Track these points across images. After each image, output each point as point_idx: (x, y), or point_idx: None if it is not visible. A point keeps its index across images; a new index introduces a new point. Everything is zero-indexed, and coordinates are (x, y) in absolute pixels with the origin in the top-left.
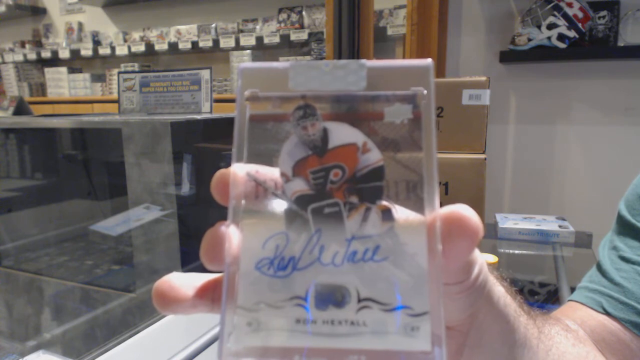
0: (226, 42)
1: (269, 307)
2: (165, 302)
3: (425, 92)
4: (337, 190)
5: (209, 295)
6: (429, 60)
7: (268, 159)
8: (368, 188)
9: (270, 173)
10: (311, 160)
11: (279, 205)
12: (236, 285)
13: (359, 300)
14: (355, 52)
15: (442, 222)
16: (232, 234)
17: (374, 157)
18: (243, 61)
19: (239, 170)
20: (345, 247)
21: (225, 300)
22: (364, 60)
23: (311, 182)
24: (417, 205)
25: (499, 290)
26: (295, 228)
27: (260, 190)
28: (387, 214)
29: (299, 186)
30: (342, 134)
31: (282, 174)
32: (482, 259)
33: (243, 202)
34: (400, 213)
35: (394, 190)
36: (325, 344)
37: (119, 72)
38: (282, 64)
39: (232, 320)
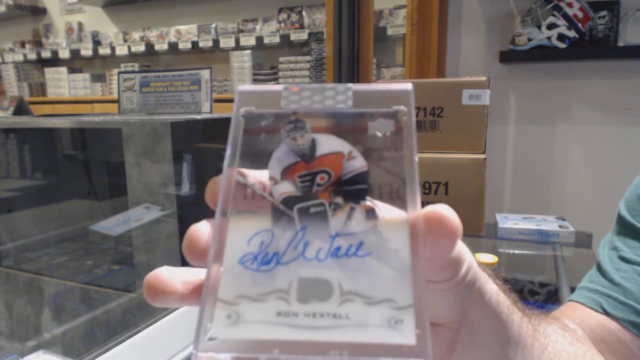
0: (226, 42)
1: (250, 300)
2: (154, 294)
3: (406, 109)
4: (323, 192)
5: (198, 290)
6: (409, 85)
7: (259, 166)
8: (353, 190)
9: (259, 176)
10: (299, 166)
11: (266, 205)
12: (218, 279)
13: (342, 294)
14: (355, 52)
15: (422, 222)
16: (217, 230)
17: (358, 163)
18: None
19: (229, 173)
20: (329, 243)
21: (205, 293)
22: (350, 84)
23: (298, 185)
24: (400, 206)
25: (491, 288)
26: (281, 226)
27: (248, 191)
28: (370, 213)
29: (286, 188)
30: (329, 143)
31: (271, 178)
32: (471, 257)
33: (231, 202)
34: (384, 212)
35: (378, 193)
36: (306, 337)
37: (119, 72)
38: (276, 86)
39: (211, 313)
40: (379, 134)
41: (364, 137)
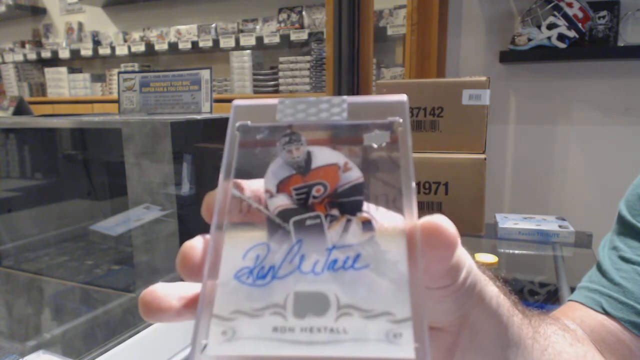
0: (226, 42)
1: (246, 315)
2: (150, 311)
3: (401, 120)
4: (319, 204)
5: (193, 305)
6: (404, 96)
7: (254, 178)
8: (348, 202)
9: (255, 188)
10: (295, 178)
11: (262, 218)
12: (213, 294)
13: (339, 308)
14: (355, 52)
15: (420, 233)
16: (212, 245)
17: (354, 175)
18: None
19: (224, 187)
20: (326, 256)
21: (200, 308)
22: (345, 97)
23: (294, 198)
24: (397, 216)
25: (492, 291)
26: (276, 239)
27: (244, 205)
28: (367, 224)
29: (282, 201)
30: (324, 155)
31: (267, 191)
32: (471, 261)
33: (227, 215)
34: (380, 223)
35: (374, 203)
36: (303, 352)
37: (119, 72)
38: (271, 100)
39: (207, 329)
40: (374, 145)
41: (360, 148)
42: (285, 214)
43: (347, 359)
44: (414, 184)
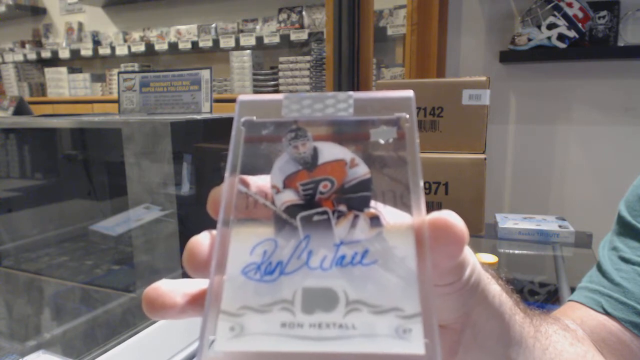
0: (226, 42)
1: (254, 311)
2: (154, 308)
3: (407, 116)
4: (326, 200)
5: (198, 301)
6: (411, 92)
7: (260, 174)
8: (356, 197)
9: (262, 184)
10: (301, 174)
11: (269, 214)
12: (221, 290)
13: (348, 303)
14: (355, 52)
15: (428, 228)
16: (219, 241)
17: (361, 170)
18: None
19: (230, 182)
20: (334, 252)
21: (208, 304)
22: (351, 92)
23: (301, 193)
24: (404, 212)
25: (494, 289)
26: (284, 235)
27: (250, 201)
28: (375, 220)
29: (289, 197)
30: (331, 151)
31: (273, 186)
32: (475, 259)
33: (233, 211)
34: (388, 219)
35: (382, 199)
36: (312, 348)
37: (119, 72)
38: (277, 95)
39: (215, 325)
40: (381, 140)
41: (366, 144)
42: (292, 210)
43: (357, 354)
44: (421, 180)
